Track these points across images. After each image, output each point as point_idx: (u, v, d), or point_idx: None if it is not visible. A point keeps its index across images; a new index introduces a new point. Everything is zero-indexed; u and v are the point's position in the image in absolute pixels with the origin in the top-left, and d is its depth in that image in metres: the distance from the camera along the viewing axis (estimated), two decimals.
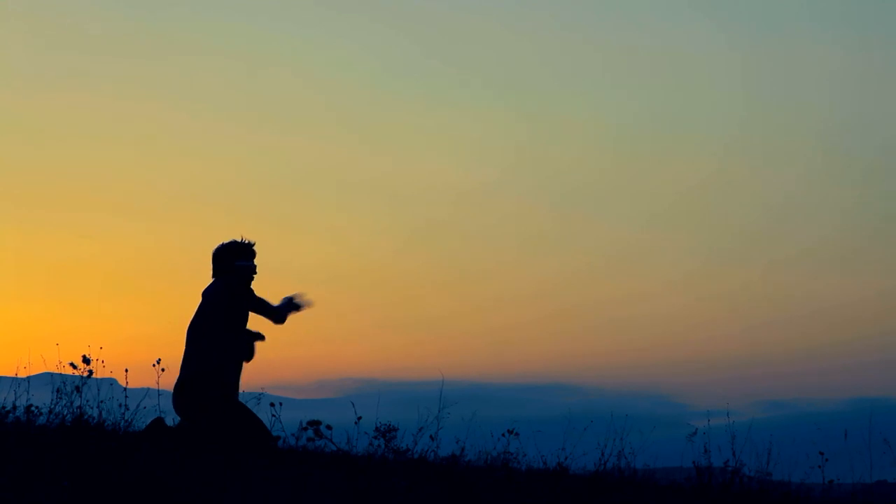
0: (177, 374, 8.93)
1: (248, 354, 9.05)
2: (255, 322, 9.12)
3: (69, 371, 9.05)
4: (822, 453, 9.25)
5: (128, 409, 9.54)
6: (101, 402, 9.36)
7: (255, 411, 9.02)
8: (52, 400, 9.22)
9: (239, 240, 9.13)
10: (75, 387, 9.10)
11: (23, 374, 9.62)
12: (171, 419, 9.05)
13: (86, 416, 9.07)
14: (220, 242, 9.15)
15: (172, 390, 8.96)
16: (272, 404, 8.90)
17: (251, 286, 9.10)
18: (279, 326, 9.17)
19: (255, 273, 9.13)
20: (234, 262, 9.09)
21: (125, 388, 9.56)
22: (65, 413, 9.09)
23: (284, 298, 9.21)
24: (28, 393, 9.30)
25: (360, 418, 8.97)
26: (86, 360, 8.98)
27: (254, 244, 9.15)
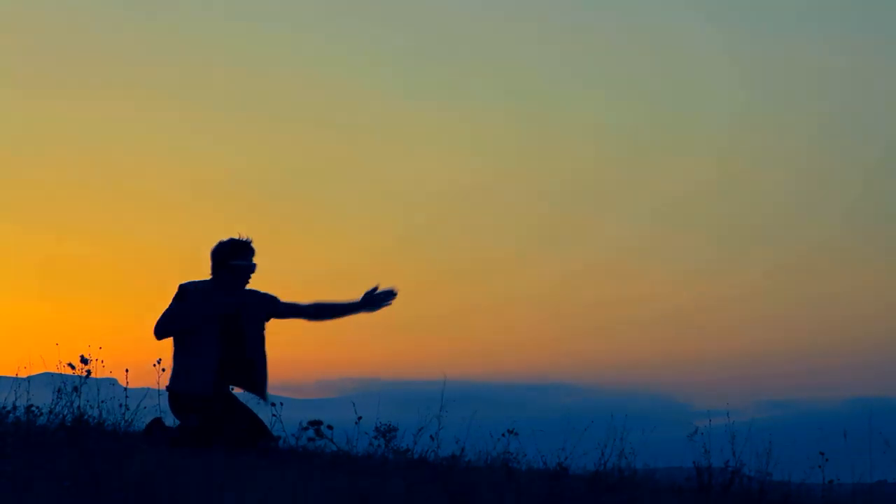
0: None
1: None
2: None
3: (69, 371, 9.05)
4: (822, 453, 9.24)
5: (128, 409, 9.53)
6: (102, 402, 9.36)
7: (255, 411, 9.00)
8: (52, 400, 9.21)
9: (237, 237, 8.93)
10: (74, 387, 9.09)
11: (23, 374, 9.61)
12: (172, 420, 9.06)
13: (86, 416, 9.06)
14: (219, 240, 9.00)
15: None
16: (272, 404, 8.90)
17: (246, 286, 8.99)
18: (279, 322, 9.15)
19: (254, 272, 8.95)
20: (231, 260, 8.91)
21: (125, 388, 9.55)
22: (65, 413, 9.09)
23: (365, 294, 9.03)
24: (28, 393, 9.29)
25: (360, 418, 8.96)
26: (84, 361, 8.97)
27: (252, 242, 8.99)
